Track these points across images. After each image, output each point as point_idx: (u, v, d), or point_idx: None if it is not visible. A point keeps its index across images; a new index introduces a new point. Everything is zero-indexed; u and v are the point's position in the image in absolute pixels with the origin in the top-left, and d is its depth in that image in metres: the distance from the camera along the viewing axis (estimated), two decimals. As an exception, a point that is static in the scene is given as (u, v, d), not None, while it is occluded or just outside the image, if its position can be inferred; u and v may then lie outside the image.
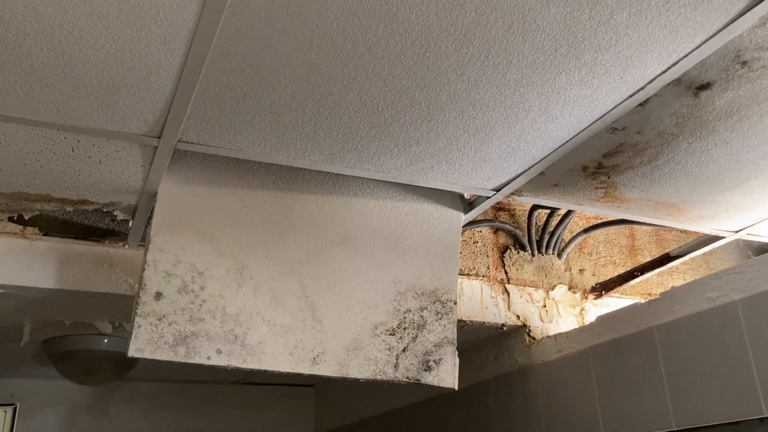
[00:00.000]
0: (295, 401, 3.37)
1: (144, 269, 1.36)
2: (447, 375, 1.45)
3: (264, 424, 3.27)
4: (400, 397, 2.60)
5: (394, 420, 2.63)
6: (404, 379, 1.43)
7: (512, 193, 1.45)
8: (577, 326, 1.96)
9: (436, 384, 1.44)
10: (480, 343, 2.13)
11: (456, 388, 1.48)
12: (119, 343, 2.38)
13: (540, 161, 1.30)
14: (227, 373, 3.02)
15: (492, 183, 1.40)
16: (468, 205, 1.57)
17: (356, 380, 1.42)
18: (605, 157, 1.28)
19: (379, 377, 1.41)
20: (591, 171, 1.33)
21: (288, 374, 1.39)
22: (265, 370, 1.37)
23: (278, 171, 1.45)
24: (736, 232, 1.65)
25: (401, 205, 1.52)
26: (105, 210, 1.47)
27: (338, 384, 3.19)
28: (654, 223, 1.63)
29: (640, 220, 1.60)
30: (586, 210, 1.57)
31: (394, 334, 1.45)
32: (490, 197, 1.47)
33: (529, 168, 1.33)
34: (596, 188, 1.40)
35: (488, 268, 2.04)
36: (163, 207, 1.39)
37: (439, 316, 1.50)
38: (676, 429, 1.46)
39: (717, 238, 1.72)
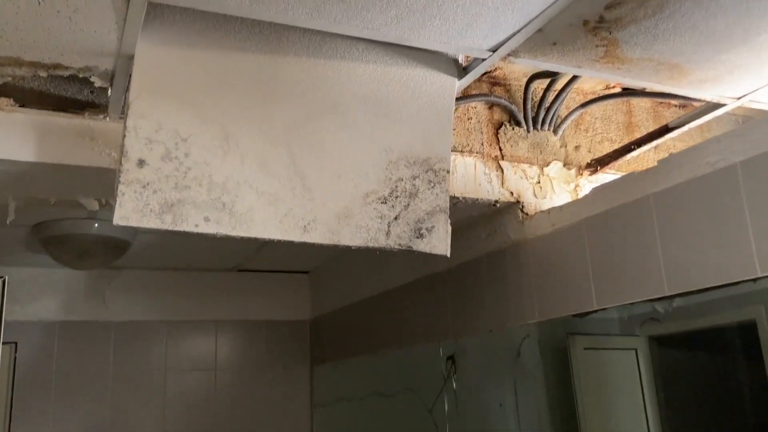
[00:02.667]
0: (290, 288, 3.41)
1: (125, 136, 1.30)
2: (439, 242, 1.43)
3: (261, 311, 3.32)
4: (394, 278, 2.62)
5: (388, 300, 2.66)
6: (396, 247, 1.41)
7: (509, 54, 1.38)
8: (571, 201, 1.95)
9: (428, 251, 1.43)
10: (473, 221, 2.12)
11: (448, 255, 1.47)
12: (110, 227, 2.36)
13: (539, 15, 1.22)
14: (222, 258, 3.04)
15: (488, 42, 1.33)
16: (462, 70, 1.50)
17: (348, 248, 1.40)
18: (607, 9, 1.21)
19: (371, 245, 1.40)
20: (592, 26, 1.26)
21: (279, 243, 1.37)
22: (256, 239, 1.35)
23: (261, 32, 1.37)
24: (739, 98, 1.60)
25: (392, 69, 1.45)
26: (81, 76, 1.40)
27: (332, 269, 3.22)
28: (654, 89, 1.57)
29: (640, 85, 1.54)
30: (586, 73, 1.50)
31: (386, 203, 1.43)
32: (485, 59, 1.40)
33: (528, 23, 1.25)
34: (597, 46, 1.33)
35: (482, 144, 1.99)
36: (141, 70, 1.32)
37: (432, 185, 1.47)
38: (669, 294, 1.47)
39: (718, 106, 1.67)
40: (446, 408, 2.24)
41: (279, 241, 1.36)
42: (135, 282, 3.09)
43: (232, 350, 3.23)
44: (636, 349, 1.92)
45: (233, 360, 3.22)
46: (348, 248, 1.41)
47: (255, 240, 1.34)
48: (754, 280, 1.30)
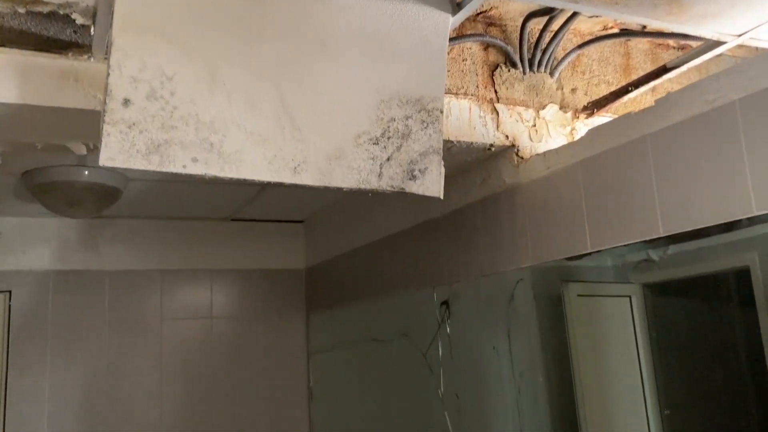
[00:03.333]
0: (285, 237, 3.40)
1: (109, 74, 1.27)
2: (432, 184, 1.41)
3: (255, 261, 3.32)
4: (388, 226, 2.61)
5: (383, 248, 2.66)
6: (388, 188, 1.39)
7: (503, -12, 1.33)
8: (567, 144, 1.92)
9: (421, 193, 1.41)
10: (467, 166, 2.09)
11: (441, 197, 1.45)
12: (100, 174, 2.33)
13: (534, -56, 1.18)
14: (216, 207, 3.02)
15: (482, -25, 1.29)
16: (456, 5, 1.46)
17: (342, 196, 1.38)
18: (606, -62, 1.16)
19: (363, 186, 1.37)
20: (590, -43, 1.22)
21: (274, 191, 1.35)
22: (247, 182, 1.33)
23: (248, -35, 1.32)
24: (739, 35, 1.56)
25: (384, 5, 1.41)
26: (62, 12, 1.35)
27: (327, 218, 3.20)
28: (652, 26, 1.53)
29: (638, 21, 1.50)
30: (583, 9, 1.46)
31: (378, 144, 1.40)
32: (479, -7, 1.36)
33: (523, -46, 1.20)
34: (594, -21, 1.29)
35: (477, 86, 1.95)
36: (123, 6, 1.27)
37: (425, 125, 1.44)
38: (663, 234, 1.46)
39: (717, 44, 1.62)
40: (440, 352, 2.26)
41: (273, 189, 1.34)
42: (128, 231, 3.08)
43: (227, 299, 3.24)
44: (630, 297, 1.92)
45: (229, 308, 3.23)
46: (341, 194, 1.39)
47: (248, 186, 1.32)
48: (750, 218, 1.29)
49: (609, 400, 1.85)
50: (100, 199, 2.39)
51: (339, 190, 1.39)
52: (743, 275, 1.62)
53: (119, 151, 1.26)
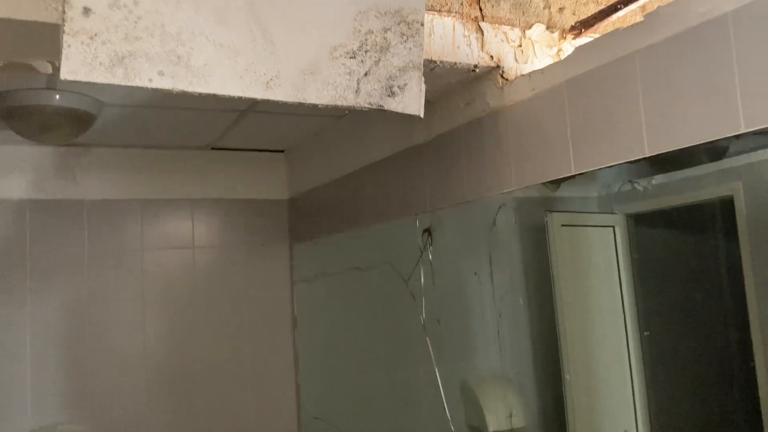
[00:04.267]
0: (267, 167, 3.35)
1: (67, -20, 1.19)
2: (412, 101, 1.36)
3: (237, 191, 3.27)
4: (370, 154, 2.56)
5: (365, 176, 2.62)
6: (366, 105, 1.33)
7: None
8: (553, 65, 1.86)
9: (400, 110, 1.36)
10: (451, 88, 2.03)
11: (422, 115, 1.40)
12: (72, 98, 2.26)
13: None
14: (195, 135, 2.95)
15: None
16: None
17: (314, 107, 1.32)
18: None
19: (339, 103, 1.32)
20: None
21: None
22: (215, 95, 1.27)
23: None
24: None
25: None
26: None
27: (309, 147, 3.15)
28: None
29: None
30: None
31: (355, 57, 1.34)
32: None
33: None
34: None
35: (462, 4, 1.87)
36: None
37: (405, 38, 1.37)
38: (649, 154, 1.42)
39: (712, -43, 1.55)
40: (422, 279, 2.25)
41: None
42: (106, 160, 3.01)
43: (209, 229, 3.20)
44: (614, 227, 1.90)
45: (211, 239, 3.20)
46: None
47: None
48: (737, 136, 1.25)
49: (589, 326, 1.86)
50: (74, 125, 2.32)
51: (314, 107, 1.33)
52: (727, 205, 1.60)
53: (81, 63, 1.20)
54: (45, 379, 2.80)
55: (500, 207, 1.91)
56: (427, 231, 2.22)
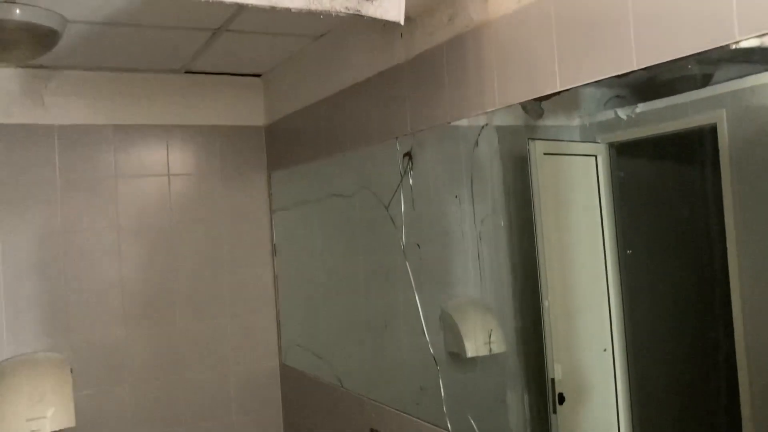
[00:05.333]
0: (243, 92, 3.25)
1: None
2: (391, 5, 1.29)
3: (212, 117, 3.18)
4: (349, 75, 2.48)
5: (344, 100, 2.54)
6: (342, 10, 1.26)
7: None
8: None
9: (378, 16, 1.28)
10: (433, 4, 1.94)
11: (402, 22, 1.33)
12: (33, 13, 2.13)
13: None
14: (167, 57, 2.83)
15: None
16: None
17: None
18: None
19: (313, 7, 1.24)
20: None
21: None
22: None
23: None
24: None
25: None
26: None
27: (285, 71, 3.04)
28: None
29: None
30: None
31: (331, -41, 1.25)
32: None
33: None
34: None
35: None
36: None
37: (383, -61, 1.28)
38: (637, 68, 1.37)
39: None
40: (402, 204, 2.21)
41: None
42: (75, 83, 2.89)
43: (184, 156, 3.12)
44: (596, 156, 1.87)
45: (186, 166, 3.12)
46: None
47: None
48: (733, 44, 1.20)
49: (568, 253, 1.84)
50: (36, 42, 2.20)
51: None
52: (710, 133, 1.56)
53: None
54: (21, 308, 2.76)
55: (483, 127, 1.86)
56: (408, 155, 2.16)
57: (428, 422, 2.07)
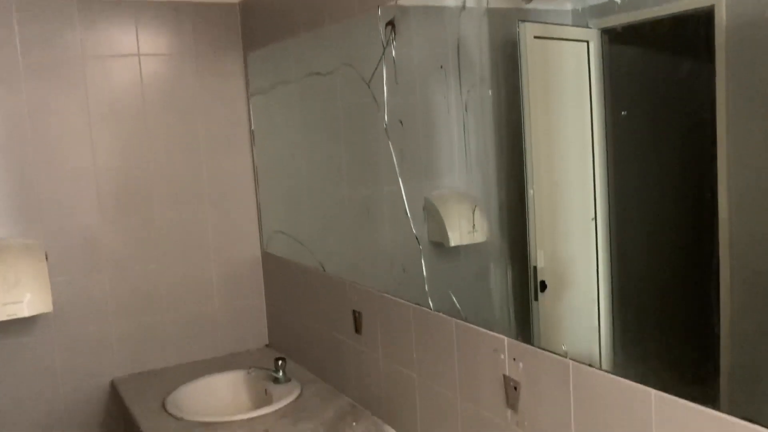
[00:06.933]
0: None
1: None
2: None
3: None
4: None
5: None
6: None
7: None
8: None
9: None
10: None
11: None
12: None
13: None
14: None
15: None
16: None
17: None
18: None
19: None
20: None
21: None
22: None
23: None
24: None
25: None
26: None
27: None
28: None
29: None
30: None
31: None
32: None
33: None
34: None
35: None
36: None
37: None
38: None
39: None
40: (385, 78, 2.09)
41: None
42: None
43: (155, 35, 2.94)
44: (587, 42, 1.77)
45: (158, 46, 2.95)
46: None
47: None
48: None
49: (556, 141, 1.76)
50: None
51: None
52: (706, 17, 1.45)
53: None
54: (-10, 193, 2.67)
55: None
56: (391, 23, 2.03)
57: (409, 301, 2.06)
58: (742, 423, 1.11)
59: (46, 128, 2.75)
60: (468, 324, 1.81)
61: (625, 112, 1.48)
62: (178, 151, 3.00)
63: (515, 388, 1.64)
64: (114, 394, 2.87)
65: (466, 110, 1.81)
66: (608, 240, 1.57)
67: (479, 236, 1.91)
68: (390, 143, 2.12)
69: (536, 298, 1.70)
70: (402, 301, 2.09)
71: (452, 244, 1.96)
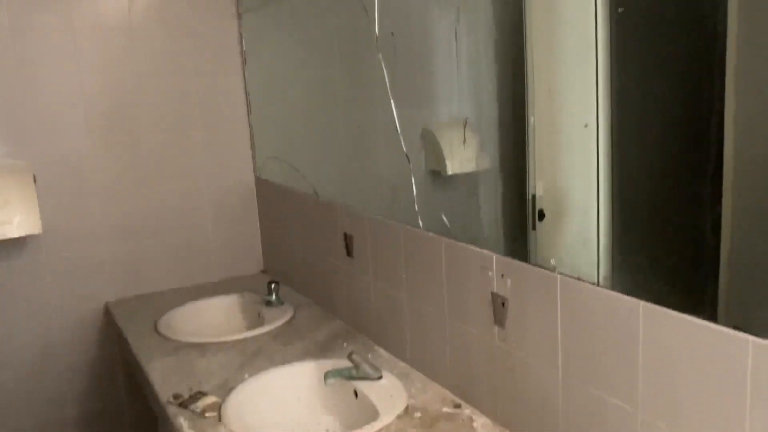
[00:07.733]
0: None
1: None
2: None
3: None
4: None
5: None
6: None
7: None
8: None
9: None
10: None
11: None
12: None
13: None
14: None
15: None
16: None
17: None
18: None
19: None
20: None
21: None
22: None
23: None
24: None
25: None
26: None
27: None
28: None
29: None
30: None
31: None
32: None
33: None
34: None
35: None
36: None
37: None
38: None
39: None
40: (376, -13, 2.00)
41: None
42: None
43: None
44: None
45: (144, -39, 2.83)
46: None
47: None
48: None
49: (558, 70, 1.66)
50: None
51: None
52: None
53: None
54: (-25, 114, 2.61)
55: None
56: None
57: (400, 222, 2.01)
58: (731, 332, 1.08)
59: (29, 47, 2.66)
60: (457, 242, 1.76)
61: (622, 9, 1.39)
62: (166, 72, 2.91)
63: (503, 305, 1.61)
64: (108, 316, 2.87)
65: (457, 21, 1.72)
66: (610, 158, 1.50)
67: (479, 163, 1.85)
68: (380, 55, 2.03)
69: (534, 227, 1.65)
70: (392, 222, 2.05)
71: (450, 172, 1.90)
